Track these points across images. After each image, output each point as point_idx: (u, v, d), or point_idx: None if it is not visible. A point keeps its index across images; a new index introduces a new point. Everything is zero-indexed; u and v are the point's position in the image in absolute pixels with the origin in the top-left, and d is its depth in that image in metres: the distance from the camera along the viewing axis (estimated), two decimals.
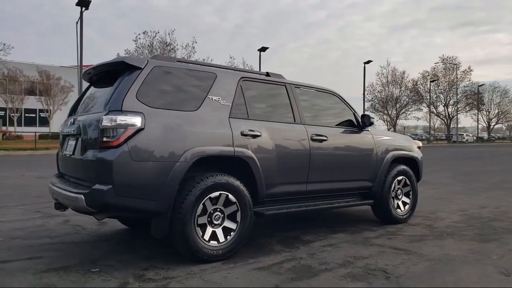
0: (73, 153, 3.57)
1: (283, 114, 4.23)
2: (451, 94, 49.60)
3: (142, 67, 3.39)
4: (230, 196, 3.57)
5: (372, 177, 4.79)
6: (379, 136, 5.01)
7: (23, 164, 14.35)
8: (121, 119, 3.12)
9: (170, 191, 3.25)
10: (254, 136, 3.78)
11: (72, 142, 3.68)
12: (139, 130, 3.17)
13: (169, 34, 32.46)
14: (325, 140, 4.34)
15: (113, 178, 3.03)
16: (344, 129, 4.71)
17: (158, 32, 29.91)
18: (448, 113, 52.50)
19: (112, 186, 3.04)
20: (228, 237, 3.56)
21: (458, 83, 49.03)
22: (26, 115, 41.05)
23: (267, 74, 4.34)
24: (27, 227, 4.79)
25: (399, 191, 5.11)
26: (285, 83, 4.35)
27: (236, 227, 3.60)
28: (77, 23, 30.19)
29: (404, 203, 5.16)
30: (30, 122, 42.06)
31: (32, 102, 38.43)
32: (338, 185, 4.53)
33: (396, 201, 5.05)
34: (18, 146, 21.17)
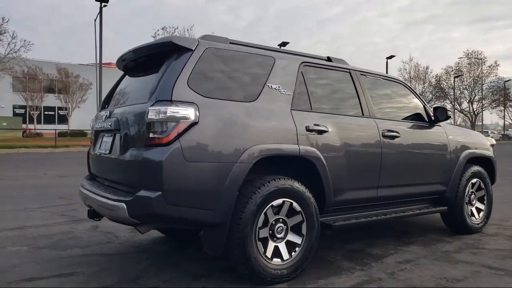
0: (110, 152, 3.02)
1: (350, 105, 3.60)
2: (476, 90, 47.94)
3: (193, 49, 2.81)
4: (295, 204, 2.97)
5: (445, 180, 4.13)
6: (452, 131, 4.33)
7: (43, 162, 14.06)
8: (172, 110, 2.55)
9: (228, 198, 2.68)
10: (320, 132, 3.18)
11: (108, 139, 3.13)
12: (193, 124, 2.60)
13: (187, 30, 32.07)
14: (397, 137, 3.71)
15: (163, 182, 2.47)
16: (414, 123, 4.05)
17: (177, 28, 29.49)
18: (473, 109, 50.77)
19: (161, 192, 2.47)
20: (293, 253, 2.97)
21: (483, 78, 47.35)
22: (45, 113, 41.25)
23: (328, 59, 3.72)
24: (54, 234, 4.30)
25: (473, 195, 4.44)
26: (349, 69, 3.72)
27: (302, 242, 3.00)
28: (95, 20, 30.05)
29: (478, 210, 4.48)
30: (49, 120, 42.26)
31: (51, 100, 38.52)
32: (409, 190, 3.89)
33: (469, 208, 4.38)
34: (38, 144, 21.02)
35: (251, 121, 2.85)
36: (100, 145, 3.27)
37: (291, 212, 2.98)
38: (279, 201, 2.90)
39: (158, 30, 29.08)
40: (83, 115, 39.05)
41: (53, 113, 42.96)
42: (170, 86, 2.63)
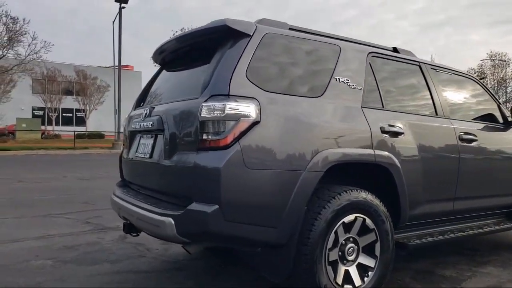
0: (151, 156, 2.59)
1: (422, 103, 3.12)
2: (500, 93, 46.47)
3: (251, 34, 2.36)
4: (368, 220, 2.50)
5: None
6: None
7: (63, 164, 13.84)
8: (231, 107, 2.11)
9: (295, 214, 2.22)
10: (396, 134, 2.70)
11: (147, 141, 2.71)
12: (254, 123, 2.15)
13: None
14: (475, 140, 3.20)
15: (220, 194, 2.03)
16: (489, 125, 3.53)
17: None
18: None
19: (218, 206, 2.03)
20: (365, 278, 2.49)
21: (508, 81, 45.87)
22: (63, 114, 41.52)
23: (395, 50, 3.24)
24: (79, 245, 3.90)
25: None
26: (419, 62, 3.23)
27: (375, 264, 2.52)
28: (113, 22, 30.09)
29: None
30: (67, 121, 42.53)
31: (69, 102, 38.72)
32: (486, 202, 3.37)
33: None
34: (58, 145, 20.95)
35: (319, 120, 2.40)
36: (137, 147, 2.85)
37: (364, 230, 2.50)
38: (351, 217, 2.43)
39: (176, 31, 28.87)
40: (101, 117, 39.22)
41: (71, 115, 43.25)
42: (227, 78, 2.19)
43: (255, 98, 2.19)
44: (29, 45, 19.45)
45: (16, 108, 35.57)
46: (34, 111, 41.40)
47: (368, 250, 2.53)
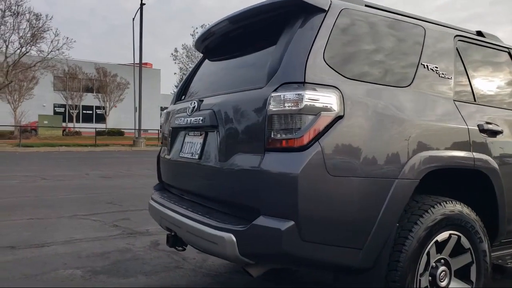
0: (200, 157, 2.20)
1: None
2: None
3: (326, 9, 1.94)
4: (463, 239, 2.06)
5: None
6: None
7: (85, 161, 13.69)
8: (310, 97, 1.70)
9: (384, 232, 1.80)
10: (494, 134, 2.26)
11: (195, 139, 2.32)
12: (337, 118, 1.74)
13: None
14: None
15: (298, 207, 1.62)
16: None
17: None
18: None
19: (295, 222, 1.62)
20: None
21: None
22: (83, 111, 41.84)
23: (479, 33, 2.76)
24: (109, 253, 3.56)
25: None
26: (508, 48, 2.76)
27: None
28: (133, 19, 30.07)
29: None
30: (87, 118, 42.86)
31: (89, 99, 38.94)
32: None
33: None
34: (79, 142, 20.95)
35: (410, 116, 1.97)
36: (182, 146, 2.46)
37: (457, 250, 2.06)
38: (445, 234, 2.00)
39: (196, 28, 28.70)
40: (120, 114, 39.36)
41: (91, 112, 43.61)
42: (301, 62, 1.77)
43: (336, 87, 1.78)
44: (51, 42, 19.49)
45: (38, 105, 35.99)
46: (55, 108, 41.86)
47: (462, 274, 2.09)
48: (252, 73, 2.09)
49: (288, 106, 1.70)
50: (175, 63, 31.85)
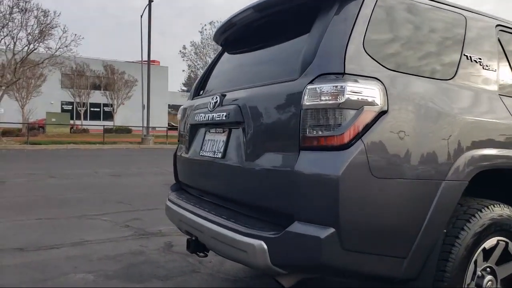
0: (224, 156, 2.04)
1: None
2: None
3: None
4: (510, 245, 1.88)
5: None
6: None
7: (93, 158, 13.62)
8: (352, 89, 1.53)
9: (431, 239, 1.63)
10: None
11: (217, 136, 2.16)
12: (381, 113, 1.56)
13: None
14: None
15: (339, 213, 1.45)
16: None
17: None
18: None
19: (335, 230, 1.45)
20: None
21: None
22: (91, 109, 41.92)
23: None
24: (122, 255, 3.42)
25: None
26: None
27: None
28: (141, 16, 29.95)
29: None
30: (94, 116, 42.95)
31: (97, 97, 38.99)
32: None
33: None
34: (87, 140, 20.92)
35: (456, 111, 1.79)
36: (202, 144, 2.30)
37: (505, 257, 1.88)
38: (493, 241, 1.82)
39: (205, 25, 28.58)
40: (128, 112, 39.39)
41: (98, 109, 43.70)
42: (340, 51, 1.60)
43: (378, 79, 1.60)
44: (59, 38, 19.42)
45: (46, 103, 36.09)
46: (63, 106, 42.02)
47: (508, 284, 1.91)
48: (282, 65, 1.92)
49: (326, 100, 1.53)
50: (183, 60, 31.72)
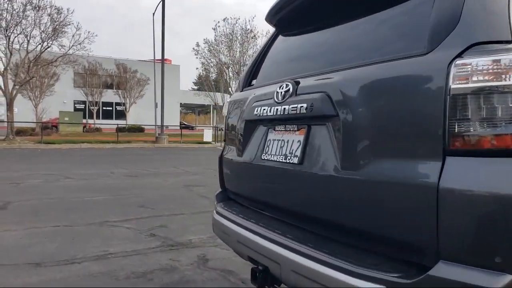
0: (302, 161, 1.54)
1: None
2: None
3: None
4: None
5: None
6: None
7: (108, 158, 13.26)
8: None
9: None
10: None
11: (288, 136, 1.67)
12: None
13: (249, 21, 30.96)
14: None
15: None
16: None
17: (239, 19, 28.22)
18: None
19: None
20: None
21: None
22: (103, 108, 41.86)
23: None
24: (152, 272, 2.96)
25: None
26: None
27: None
28: (153, 14, 29.65)
29: None
30: (107, 115, 42.92)
31: (109, 96, 38.91)
32: None
33: None
34: (101, 139, 20.63)
35: None
36: (265, 146, 1.81)
37: None
38: None
39: (218, 22, 28.10)
40: (140, 111, 39.21)
41: (110, 108, 43.65)
42: (503, 9, 1.10)
43: None
44: (73, 36, 19.16)
45: (58, 102, 36.10)
46: (75, 105, 42.05)
47: None
48: (391, 36, 1.41)
49: (490, 80, 1.03)
50: (197, 58, 31.34)
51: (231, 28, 25.91)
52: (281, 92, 1.66)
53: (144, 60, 41.88)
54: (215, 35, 27.80)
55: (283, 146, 1.66)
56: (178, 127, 32.72)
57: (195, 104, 53.39)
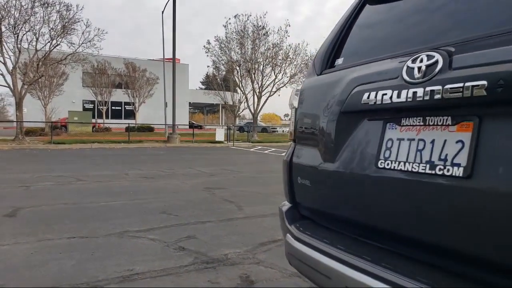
0: (471, 174, 1.00)
1: None
2: None
3: None
4: None
5: None
6: None
7: (120, 158, 12.80)
8: None
9: None
10: None
11: (426, 134, 1.13)
12: None
13: (260, 17, 30.41)
14: None
15: None
16: None
17: (250, 15, 27.61)
18: None
19: None
20: None
21: None
22: (112, 108, 41.55)
23: None
24: None
25: None
26: None
27: None
28: (162, 12, 29.23)
29: None
30: (116, 114, 42.64)
31: (118, 95, 38.56)
32: None
33: None
34: (112, 139, 20.20)
35: None
36: (382, 148, 1.27)
37: None
38: None
39: (230, 18, 27.59)
40: (149, 110, 38.88)
41: (120, 108, 43.38)
42: None
43: None
44: (82, 33, 18.72)
45: (67, 102, 35.88)
46: (84, 104, 41.85)
47: None
48: None
49: None
50: (207, 56, 30.86)
51: (242, 25, 25.35)
52: (420, 67, 1.11)
53: (154, 59, 41.53)
54: (226, 32, 27.27)
55: (422, 149, 1.12)
56: (188, 127, 32.25)
57: (203, 103, 52.97)
